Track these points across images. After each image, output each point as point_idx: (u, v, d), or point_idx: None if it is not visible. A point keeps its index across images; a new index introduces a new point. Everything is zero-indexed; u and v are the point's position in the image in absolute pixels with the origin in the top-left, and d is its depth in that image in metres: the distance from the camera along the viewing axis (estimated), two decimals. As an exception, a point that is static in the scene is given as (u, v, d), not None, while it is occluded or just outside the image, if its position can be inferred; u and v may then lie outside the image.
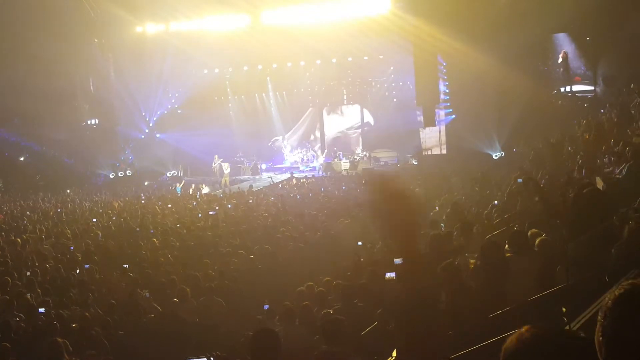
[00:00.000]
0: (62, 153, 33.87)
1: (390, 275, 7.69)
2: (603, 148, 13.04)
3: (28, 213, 20.42)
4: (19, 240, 13.84)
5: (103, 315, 8.03)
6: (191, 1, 28.04)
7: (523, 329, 1.80)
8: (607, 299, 1.80)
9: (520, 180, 12.28)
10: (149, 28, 30.62)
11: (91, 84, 34.68)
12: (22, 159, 33.34)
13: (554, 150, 16.70)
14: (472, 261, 6.43)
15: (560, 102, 25.47)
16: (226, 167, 30.59)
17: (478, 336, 5.00)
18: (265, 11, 28.87)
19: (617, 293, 1.79)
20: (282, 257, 11.12)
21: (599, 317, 1.79)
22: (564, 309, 5.28)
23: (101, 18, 30.41)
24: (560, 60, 26.22)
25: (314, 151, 34.21)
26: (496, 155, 26.51)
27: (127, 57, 31.04)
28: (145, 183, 31.81)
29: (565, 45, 26.16)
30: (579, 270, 6.12)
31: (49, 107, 32.35)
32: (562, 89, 26.21)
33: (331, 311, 6.49)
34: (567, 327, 4.97)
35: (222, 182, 29.87)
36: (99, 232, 15.06)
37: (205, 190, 28.09)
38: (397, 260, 7.89)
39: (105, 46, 32.38)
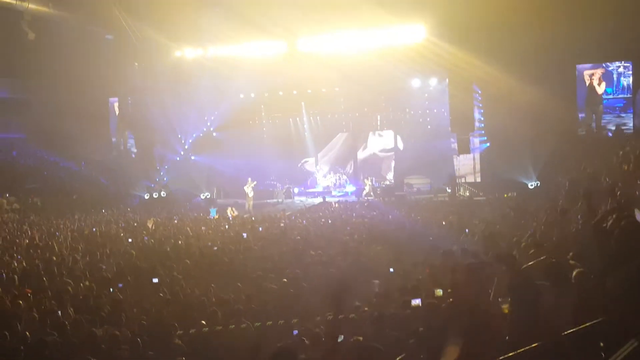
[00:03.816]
0: (98, 173, 34.53)
1: (416, 302, 7.56)
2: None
3: (65, 231, 20.74)
4: (54, 258, 14.08)
5: (133, 335, 8.05)
6: (229, 27, 28.54)
7: None
8: None
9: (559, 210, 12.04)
10: (187, 53, 31.28)
11: (129, 105, 35.42)
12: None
13: (591, 180, 16.35)
14: (505, 306, 6.26)
15: (595, 134, 25.13)
16: (249, 191, 30.13)
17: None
18: (302, 38, 29.25)
19: None
20: (311, 282, 11.00)
21: None
22: (601, 344, 5.13)
23: (142, 43, 31.11)
24: (593, 89, 25.98)
25: (348, 176, 34.30)
26: (532, 185, 26.14)
27: (165, 80, 31.69)
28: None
29: (600, 74, 25.90)
30: (617, 304, 5.95)
31: (88, 127, 33.26)
32: (596, 122, 25.92)
33: (361, 338, 6.37)
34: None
35: (247, 206, 29.57)
36: (134, 252, 15.17)
37: (237, 212, 28.16)
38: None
39: (144, 69, 33.12)
